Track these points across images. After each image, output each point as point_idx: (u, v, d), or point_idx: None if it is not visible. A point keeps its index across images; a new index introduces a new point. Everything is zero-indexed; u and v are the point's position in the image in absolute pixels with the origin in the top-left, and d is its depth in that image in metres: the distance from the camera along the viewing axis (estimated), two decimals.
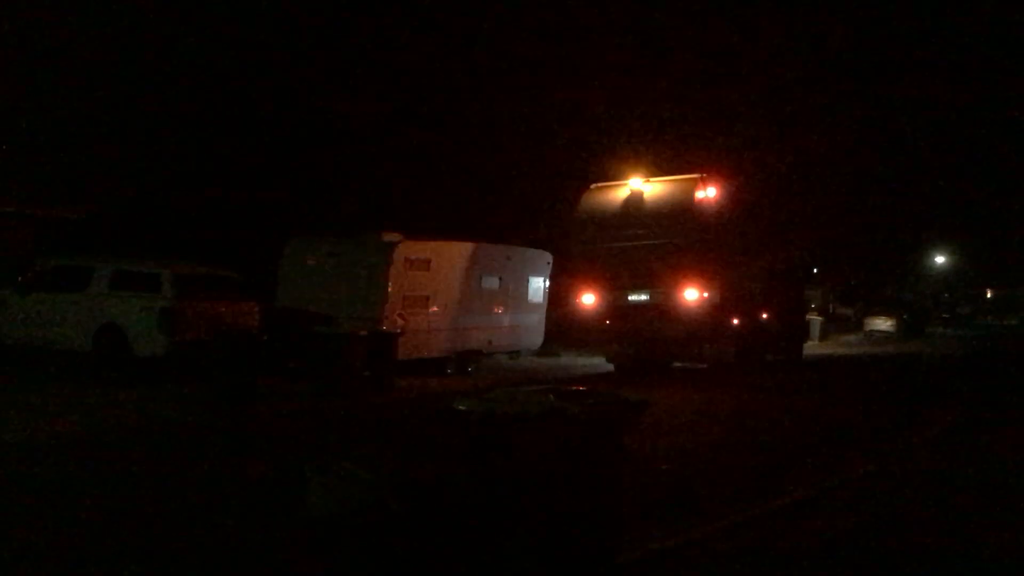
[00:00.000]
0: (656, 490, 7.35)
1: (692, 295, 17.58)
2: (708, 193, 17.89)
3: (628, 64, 30.24)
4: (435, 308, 17.54)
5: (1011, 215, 45.41)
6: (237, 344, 12.99)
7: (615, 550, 5.22)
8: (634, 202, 18.22)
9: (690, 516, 6.57)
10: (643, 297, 18.16)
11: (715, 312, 17.78)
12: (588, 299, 18.50)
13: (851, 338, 34.49)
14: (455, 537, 5.21)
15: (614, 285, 18.25)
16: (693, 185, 17.95)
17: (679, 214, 17.81)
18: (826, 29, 31.52)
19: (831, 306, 36.11)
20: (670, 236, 17.77)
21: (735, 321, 18.57)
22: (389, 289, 16.43)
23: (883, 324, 36.97)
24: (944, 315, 51.37)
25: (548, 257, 21.02)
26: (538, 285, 20.69)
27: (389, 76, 27.50)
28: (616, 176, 19.10)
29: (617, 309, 18.29)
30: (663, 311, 17.79)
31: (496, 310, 19.38)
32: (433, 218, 22.97)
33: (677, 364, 19.26)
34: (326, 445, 9.35)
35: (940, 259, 54.00)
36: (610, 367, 19.40)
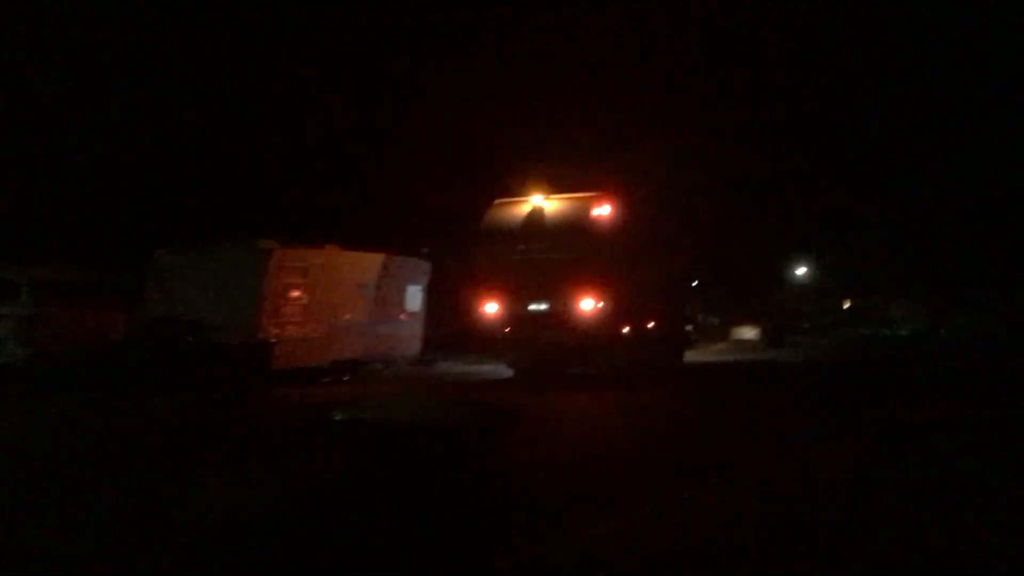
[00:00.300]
0: (535, 496, 7.46)
1: (588, 305, 18.51)
2: (603, 210, 19.00)
3: (531, 83, 31.23)
4: (311, 316, 17.31)
5: (867, 228, 47.85)
6: (102, 354, 12.52)
7: (493, 555, 5.29)
8: (535, 217, 19.14)
9: (565, 524, 6.68)
10: (542, 307, 18.95)
11: (608, 321, 18.75)
12: (491, 308, 19.15)
13: (719, 346, 35.54)
14: (331, 545, 5.18)
15: (515, 295, 19.02)
16: (590, 203, 19.09)
17: (577, 229, 18.83)
18: (707, 60, 33.33)
19: (699, 315, 37.17)
20: (568, 250, 18.71)
21: (626, 330, 19.52)
22: (264, 297, 16.13)
23: (748, 333, 38.27)
24: (805, 325, 53.53)
25: (426, 266, 21.08)
26: (416, 293, 20.70)
27: (291, 83, 27.09)
28: (519, 192, 19.89)
29: (518, 318, 19.01)
30: (561, 320, 18.64)
31: (373, 318, 19.26)
32: (316, 225, 22.72)
33: (572, 371, 19.89)
34: (198, 456, 9.11)
35: (801, 271, 56.36)
36: (493, 375, 20.05)
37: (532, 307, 19.03)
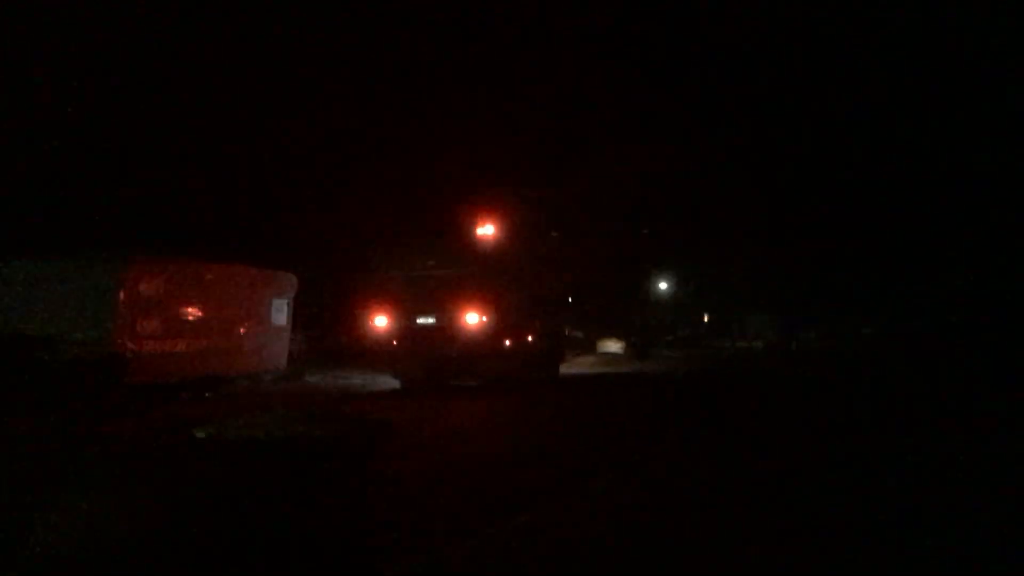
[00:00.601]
0: (406, 508, 7.41)
1: (472, 319, 19.84)
2: (487, 231, 20.59)
3: (416, 106, 32.21)
4: (170, 331, 16.71)
5: (725, 246, 49.84)
6: None
7: (364, 568, 5.23)
8: (425, 239, 20.74)
9: (432, 536, 6.66)
10: (430, 320, 20.10)
11: (491, 334, 20.07)
12: (380, 321, 20.15)
13: (587, 359, 36.31)
14: (197, 568, 5.02)
15: (404, 310, 20.15)
16: (474, 224, 20.66)
17: (462, 249, 20.41)
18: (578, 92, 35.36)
19: (567, 330, 37.87)
20: (454, 267, 20.28)
21: (507, 342, 20.87)
22: (120, 311, 15.47)
23: (614, 346, 39.27)
24: (667, 338, 55.11)
25: (292, 279, 20.69)
26: (282, 308, 20.28)
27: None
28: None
29: (406, 331, 20.12)
30: (446, 333, 19.89)
31: (237, 333, 18.76)
32: (178, 237, 22.03)
33: (456, 382, 20.89)
34: (49, 479, 8.64)
35: (663, 286, 58.01)
36: (365, 388, 20.52)
37: (420, 321, 20.09)
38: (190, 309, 17.28)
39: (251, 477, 4.92)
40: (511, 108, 33.74)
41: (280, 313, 20.31)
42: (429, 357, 19.98)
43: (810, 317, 53.34)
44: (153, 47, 25.93)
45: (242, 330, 18.92)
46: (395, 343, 20.26)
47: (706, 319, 71.90)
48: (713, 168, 43.69)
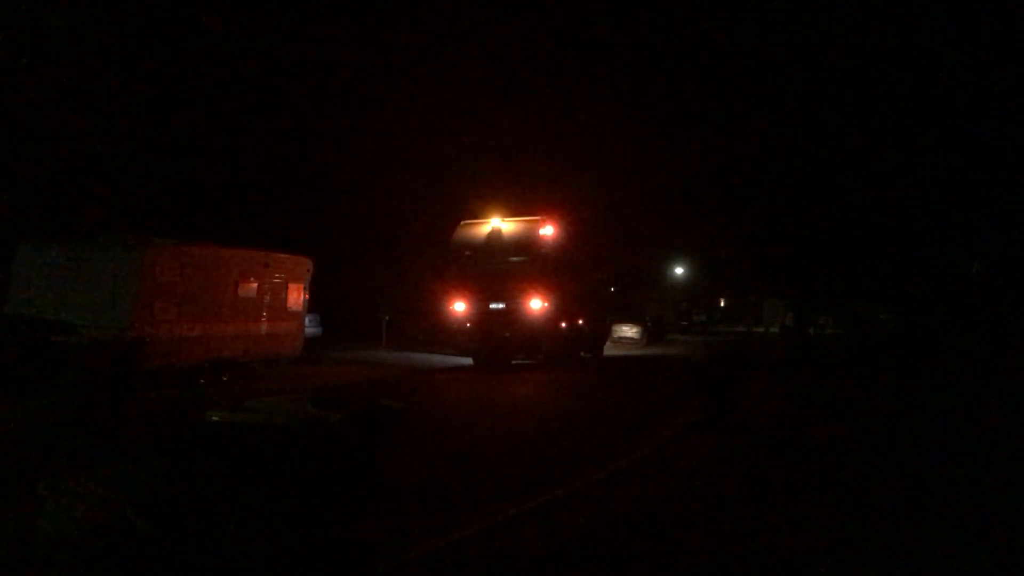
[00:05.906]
0: (423, 489, 7.45)
1: (536, 304, 22.88)
2: (547, 230, 23.55)
3: (480, 122, 34.17)
4: (187, 314, 16.76)
5: (742, 231, 49.63)
6: None
7: (375, 557, 5.26)
8: (495, 235, 23.52)
9: (449, 518, 6.69)
10: (500, 305, 23.14)
11: (551, 318, 23.08)
12: (459, 307, 23.48)
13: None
14: (207, 554, 5.05)
15: (479, 297, 23.22)
16: (537, 224, 23.66)
17: (527, 245, 23.38)
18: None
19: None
20: (524, 259, 23.23)
21: (564, 325, 23.71)
22: (136, 295, 15.51)
23: (630, 331, 39.25)
24: (683, 323, 55.02)
25: (308, 264, 20.71)
26: (297, 293, 20.29)
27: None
28: (480, 215, 24.40)
29: (480, 315, 23.21)
30: (514, 316, 22.99)
31: (252, 317, 18.81)
32: (194, 222, 22.15)
33: (515, 361, 23.83)
34: (64, 461, 8.73)
35: (679, 270, 57.80)
36: (378, 372, 21.30)
37: (492, 305, 23.18)
38: (206, 293, 17.32)
39: (261, 462, 4.93)
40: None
41: (296, 299, 20.32)
42: (498, 337, 22.88)
43: (827, 303, 53.02)
44: (170, 37, 26.00)
45: (258, 315, 18.96)
46: (469, 325, 23.25)
47: (722, 304, 71.72)
48: (730, 153, 43.73)
